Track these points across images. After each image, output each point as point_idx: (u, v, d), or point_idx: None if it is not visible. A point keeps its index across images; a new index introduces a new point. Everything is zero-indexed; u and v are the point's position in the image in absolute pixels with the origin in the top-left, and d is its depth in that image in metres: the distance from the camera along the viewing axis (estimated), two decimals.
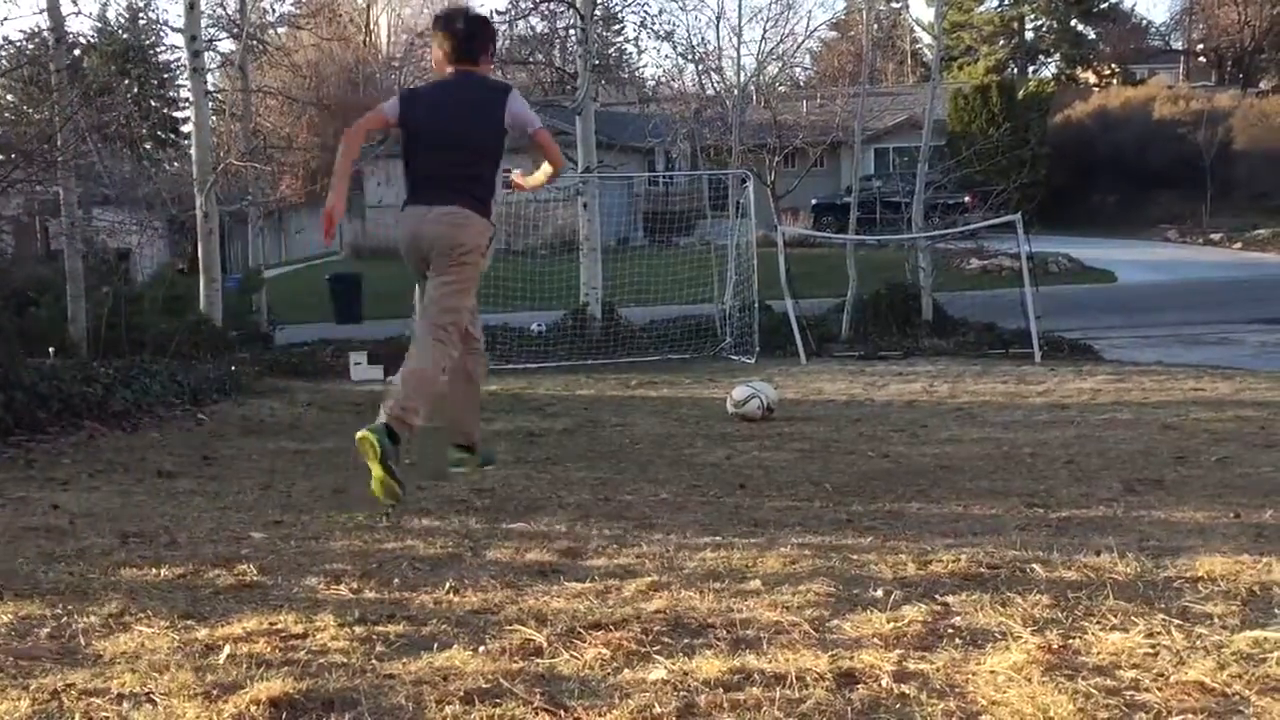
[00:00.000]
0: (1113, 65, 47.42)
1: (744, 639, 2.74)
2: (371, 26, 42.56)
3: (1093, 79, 47.18)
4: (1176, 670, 2.46)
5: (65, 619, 2.97)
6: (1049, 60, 49.84)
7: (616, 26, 34.35)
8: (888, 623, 2.83)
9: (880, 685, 2.41)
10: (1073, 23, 48.08)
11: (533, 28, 20.84)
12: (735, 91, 21.29)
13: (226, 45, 17.34)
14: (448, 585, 3.29)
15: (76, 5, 50.88)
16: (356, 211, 34.26)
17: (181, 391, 8.52)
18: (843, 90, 28.41)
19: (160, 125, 30.48)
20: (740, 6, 47.56)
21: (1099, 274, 23.44)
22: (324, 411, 8.78)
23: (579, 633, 2.77)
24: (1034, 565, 3.41)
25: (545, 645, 2.70)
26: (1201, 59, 49.90)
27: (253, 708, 2.30)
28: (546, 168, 4.68)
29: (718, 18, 43.16)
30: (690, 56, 23.39)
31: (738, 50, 23.53)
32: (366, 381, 11.44)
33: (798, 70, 38.54)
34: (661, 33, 40.66)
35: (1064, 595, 3.04)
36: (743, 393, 7.87)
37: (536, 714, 2.28)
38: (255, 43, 18.82)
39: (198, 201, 12.76)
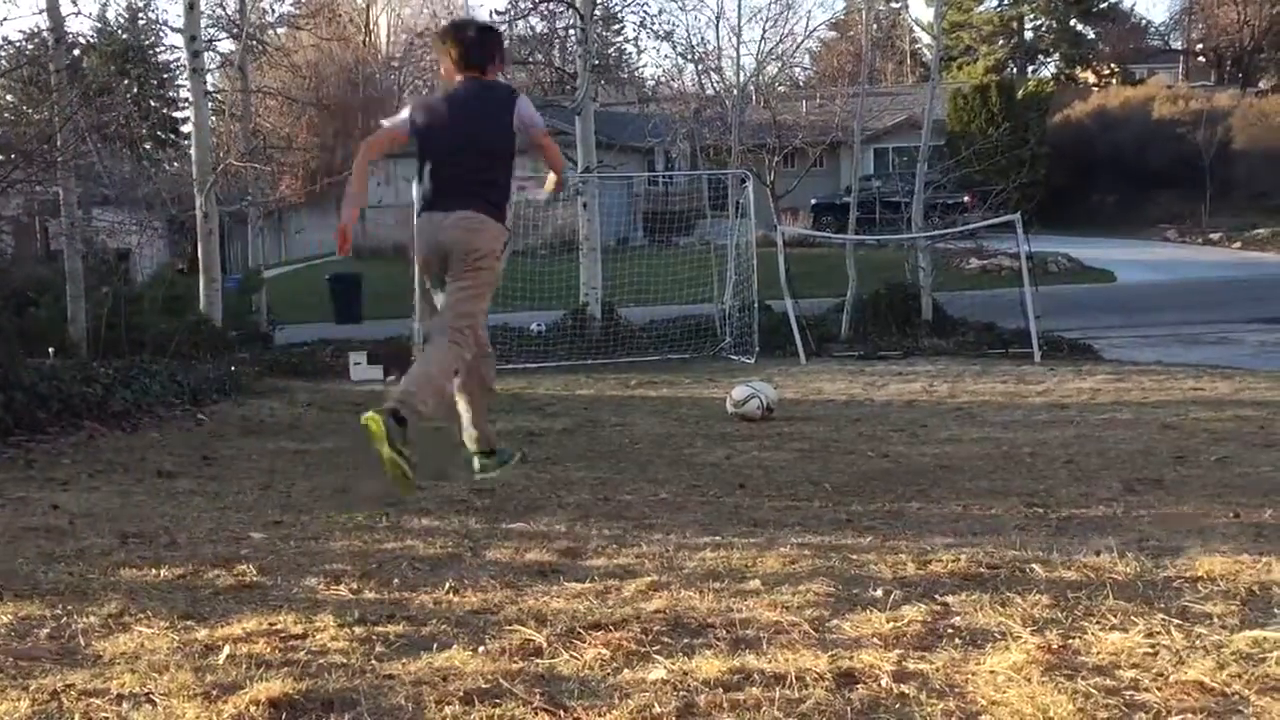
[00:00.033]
0: (1112, 65, 47.43)
1: (743, 639, 2.74)
2: (371, 26, 42.56)
3: (1092, 79, 47.19)
4: (1176, 670, 2.46)
5: (65, 619, 2.97)
6: (1048, 60, 49.85)
7: (616, 26, 34.37)
8: (887, 622, 2.83)
9: (880, 685, 2.41)
10: (1072, 22, 48.09)
11: (532, 28, 20.86)
12: (735, 91, 21.28)
13: (226, 45, 17.36)
14: (447, 585, 3.29)
15: (76, 5, 50.87)
16: None
17: (181, 392, 8.52)
18: (842, 90, 28.41)
19: (160, 125, 30.46)
20: (740, 6, 47.55)
21: (1098, 274, 23.44)
22: (324, 411, 8.78)
23: (579, 633, 2.78)
24: (1033, 565, 3.41)
25: (545, 645, 2.70)
26: (1201, 59, 49.90)
27: (252, 708, 2.30)
28: (552, 177, 4.77)
29: (717, 18, 43.22)
30: (690, 56, 23.40)
31: (737, 50, 23.46)
32: (366, 381, 11.45)
33: (797, 70, 38.57)
34: (661, 33, 40.71)
35: (1063, 595, 3.04)
36: (742, 393, 7.87)
37: (536, 714, 2.28)
38: (255, 43, 18.82)
39: (197, 202, 12.76)
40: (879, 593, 3.13)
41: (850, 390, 9.61)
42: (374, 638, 2.77)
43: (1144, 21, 53.41)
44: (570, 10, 15.33)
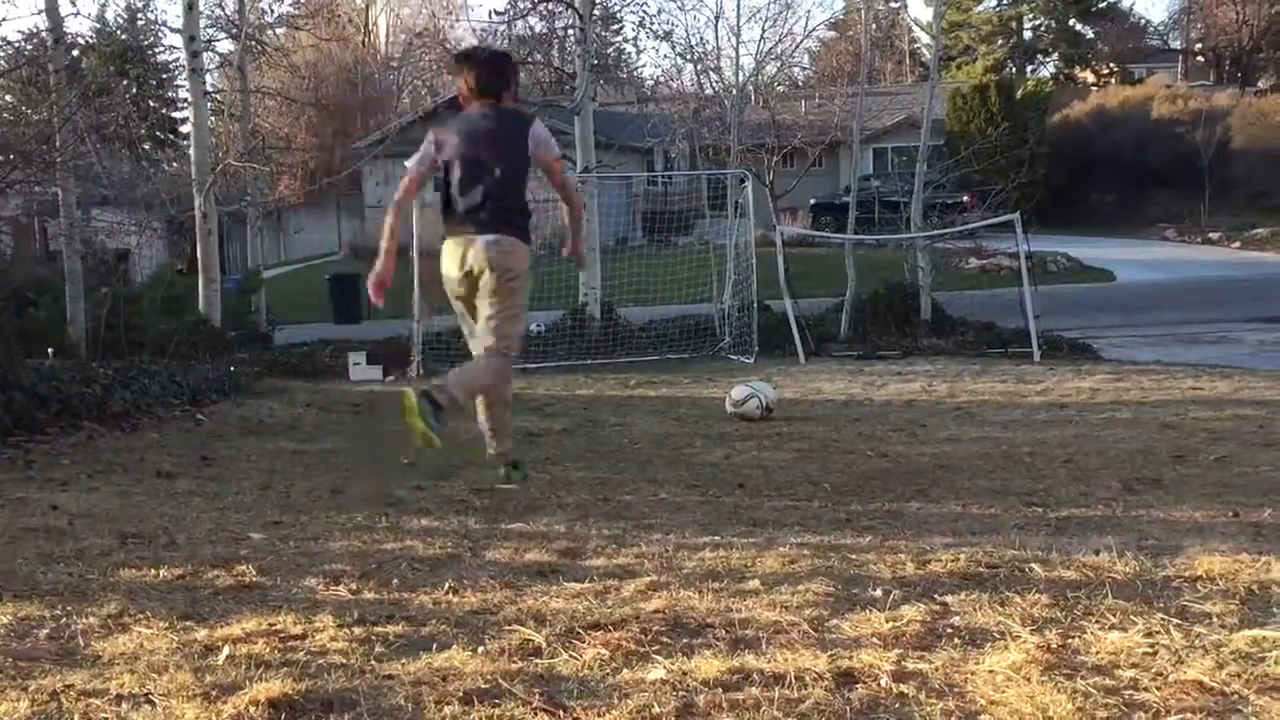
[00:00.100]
0: (1111, 64, 47.46)
1: (743, 639, 2.74)
2: (370, 27, 42.57)
3: (1091, 78, 47.22)
4: (1175, 669, 2.46)
5: (64, 620, 2.97)
6: (1047, 60, 49.89)
7: (615, 26, 34.32)
8: (886, 622, 2.83)
9: (879, 685, 2.41)
10: (1071, 22, 48.12)
11: (531, 28, 20.82)
12: (734, 91, 21.26)
13: (225, 46, 17.36)
14: (447, 586, 3.28)
15: (75, 6, 50.81)
16: (355, 212, 34.26)
17: (180, 392, 8.52)
18: (841, 90, 28.39)
19: (159, 126, 30.47)
20: (739, 6, 47.57)
21: (1098, 273, 23.46)
22: (323, 412, 8.78)
23: (578, 633, 2.78)
24: (1033, 565, 3.41)
25: (544, 645, 2.70)
26: (1200, 58, 49.92)
27: (252, 708, 2.30)
28: (574, 216, 5.18)
29: (716, 17, 43.02)
30: (689, 56, 23.33)
31: (736, 50, 23.39)
32: (365, 381, 11.45)
33: (796, 70, 38.56)
34: (660, 32, 40.58)
35: (1063, 594, 3.04)
36: (741, 392, 7.87)
37: (535, 714, 2.28)
38: (254, 43, 18.81)
39: (196, 202, 12.75)
40: (878, 592, 3.13)
41: (849, 390, 9.61)
42: (373, 638, 2.77)
43: (1143, 21, 53.51)
44: (569, 10, 15.33)
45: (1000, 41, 48.15)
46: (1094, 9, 47.46)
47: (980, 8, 48.36)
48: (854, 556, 3.61)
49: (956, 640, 2.70)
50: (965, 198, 20.85)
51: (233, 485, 5.40)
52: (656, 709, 2.28)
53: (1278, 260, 25.11)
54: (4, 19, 37.81)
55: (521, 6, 19.08)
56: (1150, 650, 2.58)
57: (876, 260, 16.47)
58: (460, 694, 2.37)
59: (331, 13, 24.25)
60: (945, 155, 18.51)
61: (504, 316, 4.78)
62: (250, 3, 16.90)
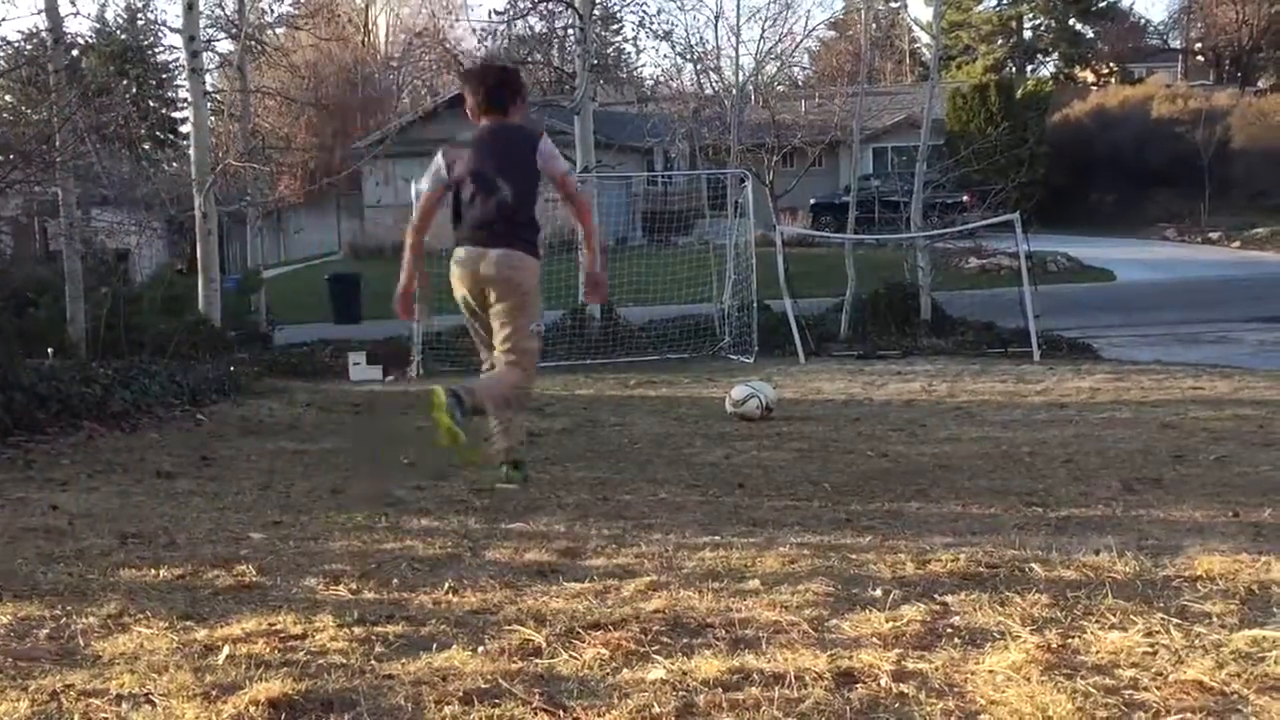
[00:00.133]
0: (1111, 64, 47.49)
1: (743, 639, 2.74)
2: (370, 26, 42.57)
3: (1091, 78, 47.25)
4: (1175, 669, 2.46)
5: (64, 620, 2.97)
6: (1047, 59, 49.91)
7: (615, 26, 34.31)
8: (886, 622, 2.83)
9: (879, 685, 2.41)
10: (1071, 22, 48.14)
11: (531, 27, 20.82)
12: (734, 91, 21.27)
13: (225, 45, 17.36)
14: (447, 585, 3.28)
15: (75, 6, 50.79)
16: (355, 212, 34.28)
17: (180, 392, 8.52)
18: (841, 90, 28.41)
19: (159, 126, 30.47)
20: (738, 6, 47.68)
21: (1097, 273, 23.47)
22: (323, 412, 8.78)
23: (578, 633, 2.77)
24: (1033, 564, 3.41)
25: (544, 645, 2.70)
26: (1199, 58, 49.93)
27: (252, 708, 2.30)
28: (586, 230, 5.43)
29: (716, 17, 42.83)
30: (689, 56, 23.36)
31: (736, 50, 23.36)
32: (365, 381, 11.46)
33: (796, 70, 38.58)
34: (660, 32, 40.62)
35: (1063, 594, 3.04)
36: (741, 392, 7.87)
37: (535, 714, 2.28)
38: (253, 43, 18.81)
39: (196, 202, 12.76)
40: (878, 592, 3.13)
41: (849, 390, 9.61)
42: (373, 638, 2.77)
43: (1143, 21, 53.54)
44: (569, 10, 15.33)
45: (1000, 41, 48.17)
46: (1094, 9, 47.48)
47: (980, 7, 48.37)
48: (854, 556, 3.61)
49: (956, 640, 2.70)
50: (965, 197, 20.85)
51: (233, 485, 5.40)
52: (656, 709, 2.28)
53: (1278, 260, 25.12)
54: (4, 19, 37.82)
55: (521, 6, 19.08)
56: (1150, 650, 2.58)
57: (876, 260, 16.46)
58: (460, 694, 2.37)
59: (331, 12, 24.25)
60: (945, 155, 18.51)
61: (522, 332, 5.06)
62: (250, 3, 16.89)
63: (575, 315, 13.95)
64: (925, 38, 49.13)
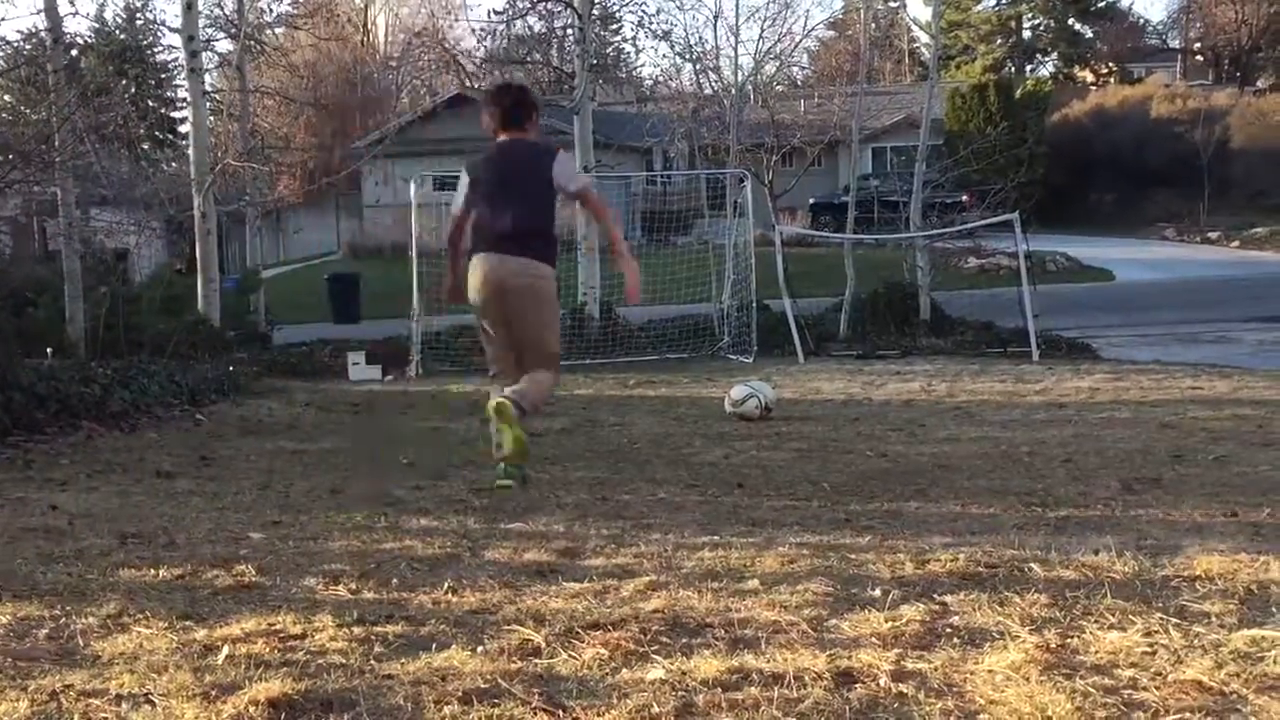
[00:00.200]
0: (1110, 64, 47.49)
1: (742, 639, 2.74)
2: (369, 26, 42.56)
3: (1090, 78, 47.26)
4: (1174, 669, 2.46)
5: (64, 620, 2.97)
6: (1046, 59, 49.93)
7: (614, 26, 34.30)
8: (886, 622, 2.83)
9: (878, 684, 2.41)
10: (1070, 21, 48.15)
11: (530, 27, 20.83)
12: (733, 91, 21.25)
13: (224, 45, 17.41)
14: (446, 585, 3.28)
15: (74, 6, 50.82)
16: (354, 211, 34.28)
17: (180, 392, 8.52)
18: (840, 89, 28.40)
19: (158, 125, 30.48)
20: (738, 6, 47.77)
21: (1097, 273, 23.48)
22: (322, 411, 8.78)
23: (577, 633, 2.78)
24: (1032, 564, 3.41)
25: (543, 645, 2.70)
26: (1199, 57, 49.95)
27: (251, 708, 2.30)
28: (610, 232, 5.59)
29: (715, 17, 42.71)
30: (688, 56, 23.31)
31: (735, 49, 23.33)
32: (364, 381, 11.45)
33: (795, 69, 38.57)
34: (659, 32, 40.67)
35: (1062, 594, 3.04)
36: (741, 392, 7.87)
37: (535, 714, 2.29)
38: (253, 43, 18.82)
39: (195, 202, 12.75)
40: (877, 592, 3.13)
41: (848, 389, 9.61)
42: (373, 638, 2.77)
43: (1142, 20, 53.54)
44: (568, 10, 15.32)
45: (999, 41, 48.18)
46: (1093, 8, 47.48)
47: (979, 7, 48.38)
48: (853, 556, 3.61)
49: (956, 640, 2.70)
50: (964, 197, 20.83)
51: (232, 485, 5.40)
52: (656, 709, 2.28)
53: (1277, 259, 25.13)
54: (3, 19, 37.80)
55: (520, 6, 19.08)
56: (1149, 650, 2.58)
57: (876, 260, 16.46)
58: (459, 694, 2.37)
59: (330, 12, 24.27)
60: (944, 155, 18.51)
61: (546, 335, 5.27)
62: (249, 2, 16.90)
63: (575, 315, 13.95)
64: (924, 37, 49.14)
